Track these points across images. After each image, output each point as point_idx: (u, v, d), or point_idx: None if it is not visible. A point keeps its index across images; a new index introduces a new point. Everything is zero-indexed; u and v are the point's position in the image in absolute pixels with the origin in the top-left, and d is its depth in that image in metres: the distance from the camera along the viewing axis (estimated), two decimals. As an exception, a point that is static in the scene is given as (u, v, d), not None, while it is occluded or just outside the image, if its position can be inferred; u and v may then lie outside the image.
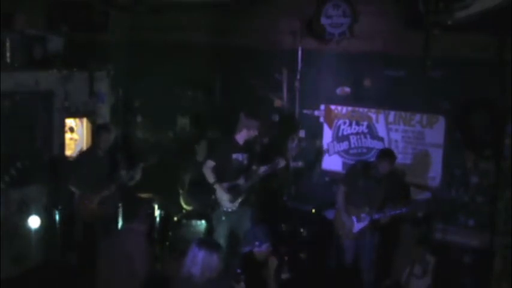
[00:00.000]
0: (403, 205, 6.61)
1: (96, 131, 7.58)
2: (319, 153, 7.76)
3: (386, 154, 6.73)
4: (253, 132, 6.94)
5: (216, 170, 6.88)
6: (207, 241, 5.09)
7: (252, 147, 7.06)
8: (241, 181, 6.89)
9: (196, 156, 8.05)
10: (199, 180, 7.84)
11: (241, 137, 6.94)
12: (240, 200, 6.89)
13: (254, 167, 6.92)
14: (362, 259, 6.80)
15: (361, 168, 6.86)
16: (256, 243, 5.45)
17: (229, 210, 6.89)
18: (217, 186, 6.85)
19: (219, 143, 7.31)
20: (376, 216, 6.64)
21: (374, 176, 6.67)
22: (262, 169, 6.90)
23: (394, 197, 6.70)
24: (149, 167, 7.42)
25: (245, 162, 6.95)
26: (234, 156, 6.90)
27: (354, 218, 6.72)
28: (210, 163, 6.91)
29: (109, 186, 7.17)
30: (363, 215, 6.68)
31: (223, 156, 6.91)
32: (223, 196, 6.84)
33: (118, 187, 7.24)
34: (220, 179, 6.86)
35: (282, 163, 6.89)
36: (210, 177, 6.88)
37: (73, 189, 7.23)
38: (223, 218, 6.91)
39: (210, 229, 7.41)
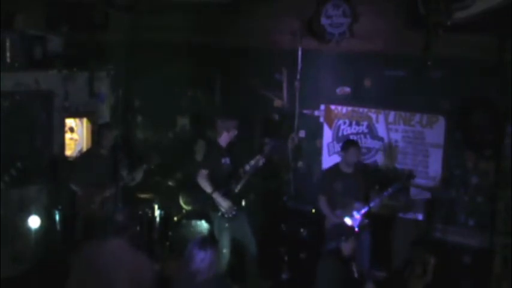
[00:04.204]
0: (388, 187, 6.65)
1: (98, 130, 7.58)
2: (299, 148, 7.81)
3: (350, 143, 6.89)
4: (233, 133, 7.00)
5: (210, 178, 6.89)
6: (207, 239, 5.09)
7: (233, 149, 7.08)
8: (233, 185, 6.91)
9: (196, 156, 8.05)
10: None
11: (223, 140, 6.99)
12: (237, 204, 6.90)
13: (241, 169, 6.94)
14: (359, 257, 6.79)
15: (332, 171, 6.97)
16: (343, 238, 5.56)
17: (230, 216, 6.89)
18: (215, 196, 6.84)
19: (207, 150, 7.33)
20: (368, 206, 6.66)
21: (346, 172, 6.78)
22: (246, 168, 6.92)
23: (375, 182, 6.81)
24: (150, 168, 7.41)
25: (230, 165, 6.98)
26: (223, 161, 6.94)
27: (348, 218, 6.73)
28: (204, 172, 6.91)
29: (111, 187, 7.16)
30: (354, 212, 6.71)
31: (214, 163, 6.94)
32: (223, 204, 6.84)
33: (119, 187, 7.23)
34: (215, 186, 6.86)
35: (261, 160, 6.91)
36: (207, 187, 6.87)
37: (75, 188, 7.23)
38: (226, 225, 6.91)
39: (211, 230, 7.42)
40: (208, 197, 6.88)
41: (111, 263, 4.74)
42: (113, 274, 4.72)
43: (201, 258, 4.55)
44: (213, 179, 6.88)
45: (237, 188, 6.91)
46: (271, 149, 7.09)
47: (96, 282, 4.76)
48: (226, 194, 6.86)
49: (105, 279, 4.72)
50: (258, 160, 6.91)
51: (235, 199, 6.90)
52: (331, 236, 5.75)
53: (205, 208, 7.71)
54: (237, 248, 7.06)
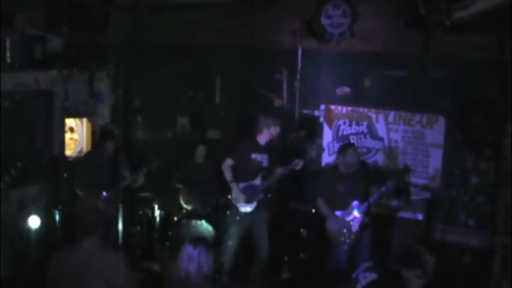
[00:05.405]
0: (384, 184, 6.62)
1: (101, 136, 7.56)
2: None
3: (348, 145, 6.86)
4: (275, 131, 6.95)
5: (234, 169, 6.89)
6: (201, 239, 5.05)
7: (274, 149, 7.04)
8: (257, 181, 6.88)
9: (195, 157, 8.04)
10: (199, 180, 7.86)
11: (263, 137, 6.95)
12: (256, 201, 6.88)
13: (274, 169, 6.92)
14: (359, 257, 6.79)
15: (330, 173, 6.95)
16: (411, 264, 5.10)
17: (244, 210, 6.88)
18: (233, 185, 6.84)
19: (240, 142, 7.17)
20: (366, 204, 6.65)
21: (345, 173, 6.75)
22: (280, 170, 6.90)
23: (373, 182, 6.77)
24: (152, 171, 7.40)
25: (265, 162, 6.94)
26: (254, 156, 6.91)
27: (348, 219, 6.73)
28: (229, 161, 6.91)
29: (112, 188, 7.14)
30: (355, 211, 6.70)
31: (242, 155, 6.91)
32: (238, 196, 6.83)
33: (120, 187, 7.22)
34: (237, 177, 6.86)
35: (299, 164, 6.88)
36: (228, 175, 6.89)
37: (78, 190, 7.21)
38: (238, 218, 6.90)
39: (216, 230, 7.41)
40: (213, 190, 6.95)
41: (82, 264, 4.77)
42: (83, 275, 4.75)
43: (189, 256, 4.52)
44: (238, 171, 6.88)
45: (262, 186, 6.90)
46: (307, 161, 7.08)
47: (68, 283, 4.79)
48: (247, 188, 6.84)
49: (77, 280, 4.76)
50: (296, 164, 6.87)
51: (256, 196, 6.86)
52: (404, 259, 5.18)
53: (205, 207, 7.74)
54: (247, 245, 7.05)
